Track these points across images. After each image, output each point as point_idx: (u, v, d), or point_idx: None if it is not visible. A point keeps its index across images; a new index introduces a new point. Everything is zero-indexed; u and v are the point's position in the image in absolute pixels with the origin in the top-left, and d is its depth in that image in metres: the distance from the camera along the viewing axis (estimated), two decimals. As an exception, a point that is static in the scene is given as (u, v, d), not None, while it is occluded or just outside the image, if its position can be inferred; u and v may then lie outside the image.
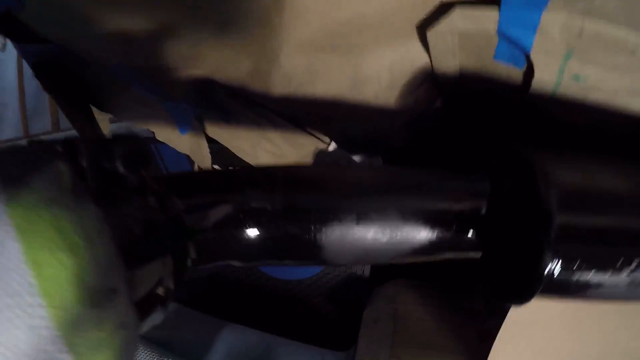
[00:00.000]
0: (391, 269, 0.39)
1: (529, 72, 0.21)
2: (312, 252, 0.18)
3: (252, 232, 0.17)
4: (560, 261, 0.14)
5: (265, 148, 0.33)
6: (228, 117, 0.31)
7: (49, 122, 0.34)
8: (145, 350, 0.36)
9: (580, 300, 0.17)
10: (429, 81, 0.23)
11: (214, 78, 0.28)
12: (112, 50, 0.25)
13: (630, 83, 0.19)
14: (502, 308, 0.34)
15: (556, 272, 0.14)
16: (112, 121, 0.37)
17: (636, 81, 0.19)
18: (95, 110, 0.34)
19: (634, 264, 0.15)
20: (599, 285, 0.16)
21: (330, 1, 0.20)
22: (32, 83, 0.45)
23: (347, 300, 0.39)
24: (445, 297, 0.37)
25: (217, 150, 0.35)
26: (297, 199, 0.16)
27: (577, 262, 0.14)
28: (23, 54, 0.31)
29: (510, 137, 0.21)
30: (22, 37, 0.27)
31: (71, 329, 0.10)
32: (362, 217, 0.16)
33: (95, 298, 0.10)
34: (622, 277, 0.15)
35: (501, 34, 0.19)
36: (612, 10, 0.17)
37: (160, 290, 0.15)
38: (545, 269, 0.14)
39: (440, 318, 0.35)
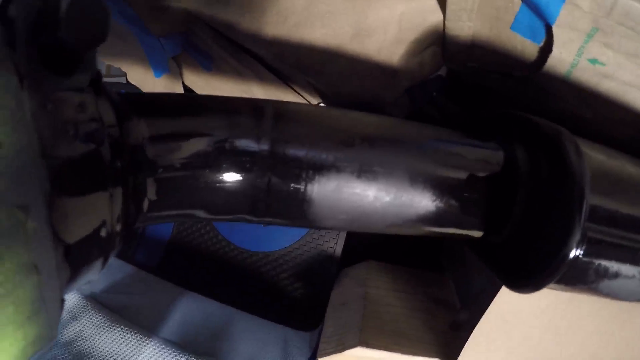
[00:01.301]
0: (363, 250, 0.38)
1: (547, 48, 0.19)
2: (300, 208, 0.15)
3: (229, 177, 0.15)
4: (587, 244, 0.12)
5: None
6: (209, 64, 0.29)
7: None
8: (96, 315, 0.33)
9: (588, 293, 0.16)
10: (438, 44, 0.22)
11: (201, 15, 0.25)
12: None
13: None
14: (475, 301, 0.33)
15: (580, 255, 0.12)
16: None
17: None
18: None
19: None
20: (616, 275, 0.14)
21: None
22: None
23: (315, 279, 0.37)
24: (416, 284, 0.36)
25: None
26: (289, 140, 0.14)
27: (602, 247, 0.13)
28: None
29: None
30: None
31: None
32: (365, 169, 0.14)
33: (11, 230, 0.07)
34: (637, 270, 0.14)
35: None
36: None
37: (102, 234, 0.11)
38: (571, 250, 0.12)
39: (411, 305, 0.34)
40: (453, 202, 0.15)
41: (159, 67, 0.28)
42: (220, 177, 0.14)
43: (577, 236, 0.12)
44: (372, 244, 0.39)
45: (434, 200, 0.15)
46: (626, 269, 0.14)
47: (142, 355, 0.31)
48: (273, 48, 0.24)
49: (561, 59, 0.19)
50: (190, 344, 0.32)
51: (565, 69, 0.20)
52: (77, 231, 0.10)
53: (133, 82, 0.30)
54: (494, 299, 0.27)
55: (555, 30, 0.18)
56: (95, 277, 0.12)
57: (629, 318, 0.29)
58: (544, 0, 0.18)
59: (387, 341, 0.31)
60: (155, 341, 0.31)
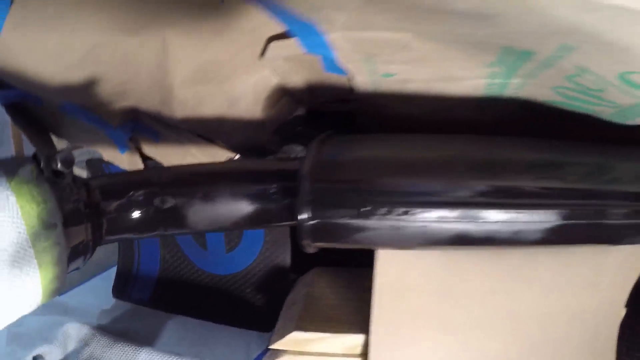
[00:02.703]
0: (310, 259, 0.47)
1: (351, 77, 0.29)
2: (182, 222, 0.26)
3: (139, 214, 0.26)
4: (311, 210, 0.22)
5: (190, 161, 0.43)
6: (157, 138, 0.41)
7: (12, 150, 0.45)
8: (102, 339, 0.44)
9: (363, 244, 0.24)
10: (288, 95, 0.33)
11: (138, 108, 0.38)
12: (60, 94, 0.35)
13: (433, 71, 0.26)
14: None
15: (309, 218, 0.22)
16: (74, 148, 0.47)
17: (437, 69, 0.26)
18: (54, 138, 0.44)
19: (381, 211, 0.23)
20: (361, 229, 0.23)
21: (196, 49, 0.29)
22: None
23: (273, 288, 0.47)
24: (353, 279, 0.45)
25: (155, 164, 0.44)
26: (171, 191, 0.25)
27: (327, 210, 0.22)
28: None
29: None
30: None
31: (33, 238, 0.20)
32: (207, 195, 0.25)
33: (46, 225, 0.20)
34: (376, 222, 0.23)
35: (312, 54, 0.28)
36: (369, 20, 0.23)
37: (82, 246, 0.24)
38: (302, 215, 0.22)
39: (346, 297, 0.43)
40: (268, 206, 0.25)
41: (122, 146, 0.41)
42: (135, 215, 0.26)
43: (304, 205, 0.22)
44: (318, 254, 0.48)
45: (253, 207, 0.24)
46: (363, 223, 0.23)
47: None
48: (186, 124, 0.36)
49: (365, 81, 0.28)
50: (177, 351, 0.42)
51: (373, 86, 0.29)
52: (72, 242, 0.22)
53: (108, 159, 0.43)
54: (375, 272, 0.35)
55: (344, 65, 0.28)
56: (80, 266, 0.24)
57: (525, 271, 0.36)
58: (322, 54, 0.27)
59: (320, 325, 0.39)
60: (148, 349, 0.41)
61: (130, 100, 0.36)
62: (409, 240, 0.22)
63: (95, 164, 0.48)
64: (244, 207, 0.25)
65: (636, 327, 0.40)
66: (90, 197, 0.24)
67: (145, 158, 0.42)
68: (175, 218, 0.26)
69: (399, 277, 0.36)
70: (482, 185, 0.20)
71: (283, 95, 0.32)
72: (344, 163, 0.24)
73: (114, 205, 0.25)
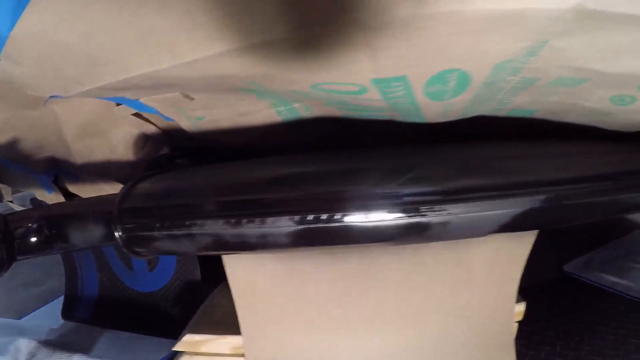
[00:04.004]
0: (218, 273, 0.57)
1: (177, 122, 0.38)
2: (66, 242, 0.36)
3: (36, 238, 0.37)
4: (120, 229, 0.31)
5: (103, 193, 0.54)
6: (75, 178, 0.52)
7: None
8: (45, 350, 0.55)
9: (165, 251, 0.34)
10: (151, 139, 0.43)
11: (55, 157, 0.49)
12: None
13: (228, 110, 0.34)
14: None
15: (119, 234, 0.31)
16: (14, 191, 0.59)
17: (229, 109, 0.34)
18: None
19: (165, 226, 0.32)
20: (156, 239, 0.32)
21: (73, 114, 0.41)
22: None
23: (188, 301, 0.56)
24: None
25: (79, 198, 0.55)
26: (53, 222, 0.35)
27: (129, 226, 0.32)
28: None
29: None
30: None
31: None
32: (74, 222, 0.35)
33: None
34: (164, 233, 0.32)
35: (143, 112, 0.39)
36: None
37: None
38: (115, 232, 0.32)
39: (237, 303, 0.52)
40: (105, 230, 0.35)
41: (48, 188, 0.52)
42: (31, 241, 0.36)
43: (115, 224, 0.32)
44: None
45: (99, 231, 0.34)
46: (165, 234, 0.32)
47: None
48: (84, 168, 0.47)
49: (187, 124, 0.36)
50: (106, 356, 0.52)
51: (197, 127, 0.36)
52: None
53: (39, 198, 0.55)
54: (228, 278, 0.40)
55: (168, 115, 0.38)
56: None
57: (376, 272, 0.41)
58: (150, 110, 0.38)
59: (210, 328, 0.48)
60: (80, 355, 0.51)
61: (47, 153, 0.48)
62: (189, 248, 0.31)
63: (37, 201, 0.59)
64: (96, 230, 0.35)
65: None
66: (6, 227, 0.34)
67: (71, 194, 0.53)
68: (61, 239, 0.36)
69: (250, 282, 0.42)
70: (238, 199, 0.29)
71: (147, 140, 0.42)
72: (140, 194, 0.33)
73: (19, 232, 0.36)
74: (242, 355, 0.45)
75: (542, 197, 0.29)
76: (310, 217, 0.26)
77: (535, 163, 0.31)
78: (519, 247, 0.44)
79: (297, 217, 0.26)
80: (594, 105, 0.32)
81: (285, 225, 0.27)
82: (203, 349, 0.48)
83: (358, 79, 0.23)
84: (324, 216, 0.26)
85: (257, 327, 0.44)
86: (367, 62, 0.21)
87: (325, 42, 0.19)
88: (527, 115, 0.36)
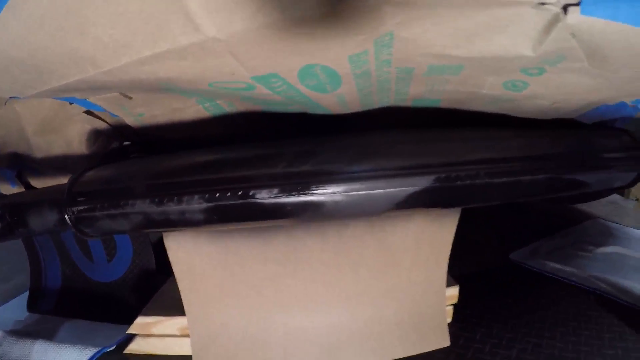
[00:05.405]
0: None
1: (122, 119, 0.46)
2: (27, 228, 0.42)
3: (2, 224, 0.43)
4: (71, 211, 0.38)
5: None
6: (37, 172, 0.59)
7: None
8: (11, 338, 0.61)
9: (111, 231, 0.40)
10: (103, 135, 0.50)
11: (17, 152, 0.56)
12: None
13: (163, 107, 0.41)
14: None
15: (72, 216, 0.38)
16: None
17: (164, 106, 0.40)
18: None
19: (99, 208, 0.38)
20: (109, 217, 0.39)
21: (32, 111, 0.47)
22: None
23: (145, 289, 0.63)
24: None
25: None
26: (14, 210, 0.40)
27: (79, 209, 0.38)
28: None
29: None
30: None
31: None
32: (32, 210, 0.41)
33: None
34: (100, 214, 0.39)
35: (92, 109, 0.46)
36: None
37: None
38: (66, 215, 0.38)
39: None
40: (57, 216, 0.41)
41: (11, 182, 0.59)
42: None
43: (66, 208, 0.38)
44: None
45: (58, 215, 0.41)
46: (108, 214, 0.38)
47: (34, 349, 0.57)
48: (45, 162, 0.53)
49: (131, 120, 0.42)
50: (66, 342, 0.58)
51: (140, 123, 0.43)
52: None
53: (4, 192, 0.61)
54: (170, 259, 0.46)
55: (113, 112, 0.45)
56: None
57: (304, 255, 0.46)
58: (97, 108, 0.45)
59: (160, 311, 0.53)
60: (41, 340, 0.58)
61: (10, 148, 0.54)
62: (125, 226, 0.38)
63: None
64: (50, 215, 0.42)
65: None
66: None
67: (33, 188, 0.60)
68: (21, 225, 0.42)
69: (190, 264, 0.48)
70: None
71: (99, 134, 0.49)
72: (85, 181, 0.39)
73: None
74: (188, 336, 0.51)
75: (432, 177, 0.34)
76: (217, 194, 0.33)
77: (427, 147, 0.36)
78: (441, 233, 0.51)
79: (207, 195, 0.33)
80: (491, 92, 0.36)
81: (197, 202, 0.33)
82: (154, 331, 0.54)
83: (239, 78, 0.30)
84: (229, 194, 0.33)
85: (200, 307, 0.50)
86: (236, 65, 0.28)
87: (196, 57, 0.26)
88: (434, 104, 0.42)
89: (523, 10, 0.24)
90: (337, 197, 0.32)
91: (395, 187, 0.33)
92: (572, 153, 0.40)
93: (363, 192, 0.32)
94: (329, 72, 0.30)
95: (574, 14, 0.24)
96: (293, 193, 0.32)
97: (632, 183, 0.45)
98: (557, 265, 0.79)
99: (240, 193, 0.32)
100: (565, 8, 0.24)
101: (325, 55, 0.28)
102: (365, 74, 0.31)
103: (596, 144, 0.43)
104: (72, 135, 0.48)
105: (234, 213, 0.33)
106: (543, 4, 0.24)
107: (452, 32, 0.26)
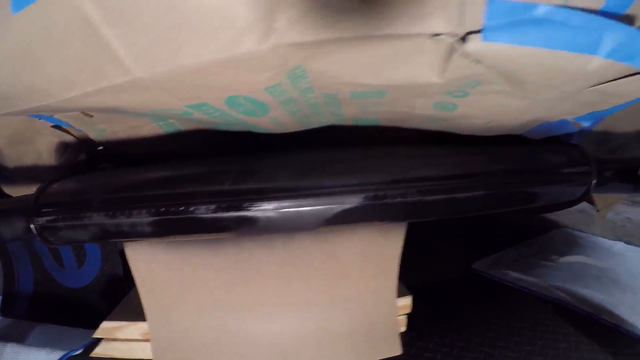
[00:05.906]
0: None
1: (87, 134, 0.50)
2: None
3: None
4: (36, 221, 0.41)
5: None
6: (10, 181, 0.62)
7: None
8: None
9: (72, 241, 0.43)
10: (71, 147, 0.54)
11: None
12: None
13: (122, 124, 0.44)
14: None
15: (36, 226, 0.41)
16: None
17: (123, 123, 0.43)
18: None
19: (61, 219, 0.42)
20: (70, 228, 0.42)
21: (4, 124, 0.51)
22: None
23: (113, 295, 0.66)
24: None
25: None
26: None
27: (44, 219, 0.41)
28: None
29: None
30: None
31: None
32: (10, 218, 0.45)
33: None
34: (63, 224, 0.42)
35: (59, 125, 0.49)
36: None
37: None
38: (31, 225, 0.42)
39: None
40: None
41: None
42: None
43: (32, 217, 0.42)
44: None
45: (24, 224, 0.45)
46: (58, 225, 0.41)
47: (5, 352, 0.60)
48: (16, 171, 0.57)
49: (95, 135, 0.45)
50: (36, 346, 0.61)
51: (103, 138, 0.46)
52: None
53: None
54: (131, 267, 0.49)
55: (79, 128, 0.49)
56: None
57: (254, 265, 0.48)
58: (64, 124, 0.49)
59: (124, 316, 0.56)
60: (12, 344, 0.61)
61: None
62: (84, 236, 0.41)
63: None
64: (19, 223, 0.45)
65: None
66: None
67: (6, 196, 0.64)
68: None
69: (149, 272, 0.50)
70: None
71: (67, 147, 0.53)
72: (50, 193, 0.41)
73: None
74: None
75: (361, 195, 0.36)
76: (163, 209, 0.36)
77: (361, 165, 0.38)
78: (387, 245, 0.54)
79: (153, 210, 0.37)
80: (423, 112, 0.37)
81: (145, 216, 0.37)
82: (118, 335, 0.57)
83: (175, 106, 0.34)
84: (172, 209, 0.36)
85: (159, 314, 0.53)
86: (169, 97, 0.31)
87: (132, 92, 0.30)
88: (373, 123, 0.43)
89: (420, 41, 0.25)
90: (270, 214, 0.35)
91: (324, 205, 0.36)
92: (514, 169, 0.41)
93: (293, 209, 0.35)
94: (252, 101, 0.33)
95: (475, 41, 0.25)
96: (230, 209, 0.35)
97: (582, 197, 0.45)
98: (519, 275, 0.81)
99: (181, 209, 0.36)
100: (465, 36, 0.25)
101: (243, 88, 0.31)
102: (291, 101, 0.34)
103: (541, 159, 0.43)
104: (41, 147, 0.52)
105: (177, 226, 0.37)
106: (437, 35, 0.25)
107: (359, 64, 0.28)
